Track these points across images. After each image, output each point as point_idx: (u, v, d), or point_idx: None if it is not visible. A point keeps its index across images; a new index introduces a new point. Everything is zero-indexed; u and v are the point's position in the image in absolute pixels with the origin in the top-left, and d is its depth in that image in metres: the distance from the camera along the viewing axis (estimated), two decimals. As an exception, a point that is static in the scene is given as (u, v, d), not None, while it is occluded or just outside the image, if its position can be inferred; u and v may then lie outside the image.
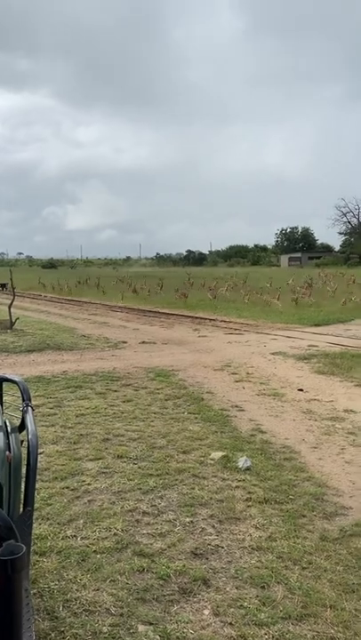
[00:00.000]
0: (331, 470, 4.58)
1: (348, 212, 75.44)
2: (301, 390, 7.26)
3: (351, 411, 6.32)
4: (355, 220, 75.36)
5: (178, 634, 2.54)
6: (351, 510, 3.87)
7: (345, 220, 76.19)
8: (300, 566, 3.11)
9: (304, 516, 3.71)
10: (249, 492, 4.04)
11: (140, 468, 4.48)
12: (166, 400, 6.67)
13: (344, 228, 77.70)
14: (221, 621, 2.64)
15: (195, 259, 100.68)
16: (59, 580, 2.92)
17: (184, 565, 3.09)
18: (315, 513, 3.78)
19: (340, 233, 79.77)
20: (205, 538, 3.41)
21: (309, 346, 10.82)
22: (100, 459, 4.67)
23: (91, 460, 4.66)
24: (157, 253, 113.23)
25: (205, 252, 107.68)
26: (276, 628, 2.59)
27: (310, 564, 3.14)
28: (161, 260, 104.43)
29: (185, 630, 2.56)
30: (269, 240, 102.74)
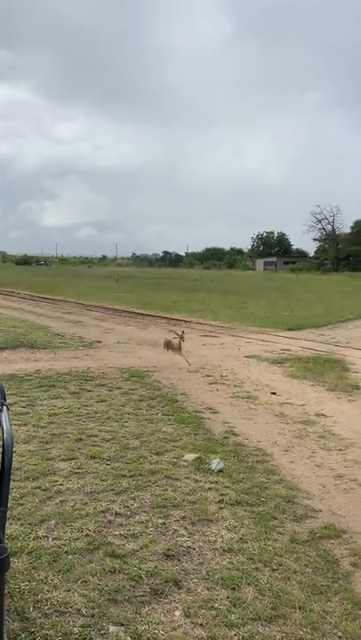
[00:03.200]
0: (302, 473, 4.65)
1: (323, 219, 76.50)
2: (274, 394, 7.35)
3: (322, 414, 6.43)
4: (329, 227, 76.50)
5: (149, 635, 2.54)
6: (321, 513, 3.94)
7: (320, 226, 77.26)
8: (270, 568, 3.15)
9: (275, 519, 3.77)
10: (221, 494, 4.08)
11: (113, 468, 4.47)
12: (140, 401, 6.66)
13: (319, 234, 78.80)
14: (192, 622, 2.66)
15: (171, 260, 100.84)
16: (29, 581, 2.90)
17: (156, 567, 3.10)
18: (285, 515, 3.83)
19: (315, 239, 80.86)
20: (177, 539, 3.43)
21: (283, 350, 10.95)
22: (72, 459, 4.64)
23: (63, 460, 4.63)
24: (134, 253, 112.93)
25: (182, 253, 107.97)
26: (246, 629, 2.62)
27: (280, 565, 3.19)
28: (137, 260, 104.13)
29: (156, 631, 2.57)
30: (246, 244, 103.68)
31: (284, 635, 2.60)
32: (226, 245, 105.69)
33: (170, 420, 5.92)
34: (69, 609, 2.69)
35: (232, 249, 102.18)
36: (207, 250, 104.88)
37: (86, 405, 6.34)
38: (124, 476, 4.32)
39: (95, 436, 5.27)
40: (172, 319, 15.87)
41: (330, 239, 76.26)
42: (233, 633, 2.59)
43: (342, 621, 2.74)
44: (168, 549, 3.29)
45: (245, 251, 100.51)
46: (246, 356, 10.08)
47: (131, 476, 4.31)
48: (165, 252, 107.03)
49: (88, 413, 6.01)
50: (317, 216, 76.38)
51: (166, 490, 4.11)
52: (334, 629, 2.68)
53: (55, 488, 4.06)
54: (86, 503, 3.83)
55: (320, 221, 76.56)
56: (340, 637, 2.63)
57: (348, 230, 74.73)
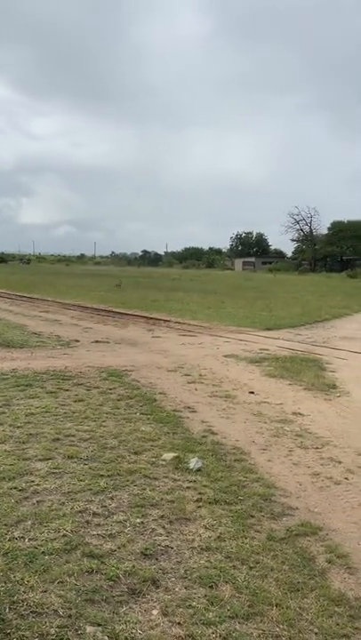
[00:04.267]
0: (279, 471, 4.70)
1: (300, 220, 77.30)
2: (252, 393, 7.40)
3: (299, 413, 6.50)
4: (307, 228, 77.33)
5: (126, 634, 2.54)
6: (297, 511, 3.98)
7: (298, 227, 78.07)
8: (247, 566, 3.18)
9: (253, 517, 3.79)
10: (200, 493, 4.09)
11: (90, 468, 4.44)
12: (119, 400, 6.64)
13: (296, 235, 79.64)
14: (170, 621, 2.66)
15: (150, 259, 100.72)
16: (5, 582, 2.86)
17: (134, 566, 3.09)
18: (263, 513, 3.86)
19: (293, 240, 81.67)
20: (155, 538, 3.43)
21: (261, 349, 11.03)
22: (49, 459, 4.60)
23: (40, 460, 4.58)
24: (112, 252, 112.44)
25: (161, 252, 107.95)
26: (223, 627, 2.63)
27: (258, 563, 3.21)
28: (116, 258, 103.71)
29: (133, 631, 2.57)
30: (225, 244, 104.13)
31: (261, 632, 2.62)
32: (205, 245, 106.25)
33: (148, 419, 5.91)
34: (46, 610, 2.67)
35: (211, 249, 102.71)
36: (186, 249, 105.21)
37: (64, 405, 6.29)
38: (101, 475, 4.30)
39: (73, 435, 5.23)
40: (151, 318, 15.85)
41: (307, 240, 77.14)
42: (210, 631, 2.60)
43: (318, 618, 2.77)
44: (146, 549, 3.29)
45: (224, 250, 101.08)
46: (225, 356, 10.12)
47: (109, 476, 4.30)
48: (144, 251, 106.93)
49: (65, 413, 5.96)
50: (295, 217, 77.26)
51: (144, 489, 4.10)
52: (310, 626, 2.71)
53: (32, 488, 4.01)
54: (63, 503, 3.80)
55: (298, 222, 77.46)
56: (316, 634, 2.67)
57: (325, 231, 75.75)
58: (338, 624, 2.74)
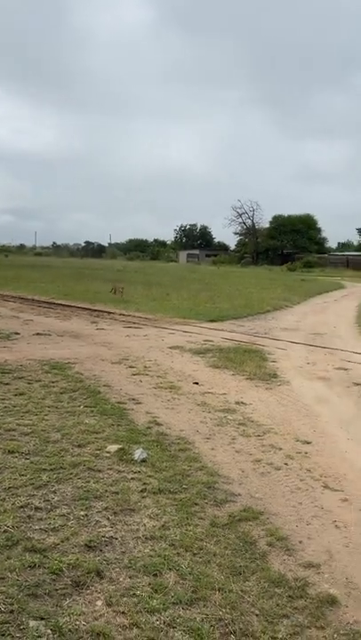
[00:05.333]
0: (222, 459, 4.79)
1: (243, 213, 78.36)
2: (197, 383, 7.48)
3: (242, 403, 6.64)
4: (249, 222, 78.53)
5: (70, 626, 2.52)
6: (240, 497, 4.08)
7: (240, 220, 79.13)
8: (191, 552, 3.23)
9: (196, 504, 3.85)
10: (144, 484, 4.11)
11: (32, 462, 4.36)
12: (62, 393, 6.53)
13: (239, 228, 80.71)
14: (114, 611, 2.67)
15: (93, 250, 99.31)
16: None
17: (77, 558, 3.07)
18: (206, 501, 3.93)
19: (236, 233, 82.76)
20: (100, 530, 3.42)
21: (205, 340, 11.16)
22: (-11, 454, 4.47)
23: (-21, 455, 4.45)
24: (54, 243, 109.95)
25: (105, 244, 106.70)
26: (167, 613, 2.67)
27: (201, 549, 3.27)
28: (58, 249, 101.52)
29: (77, 622, 2.56)
30: (169, 236, 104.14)
31: (204, 616, 2.68)
32: (149, 237, 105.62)
33: (92, 411, 5.86)
34: (-14, 607, 2.60)
35: (156, 240, 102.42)
36: (130, 241, 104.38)
37: (3, 399, 6.12)
38: (44, 469, 4.23)
39: (13, 430, 5.11)
40: (95, 310, 15.66)
41: (250, 233, 78.40)
42: (155, 618, 2.63)
43: (259, 599, 2.86)
44: (90, 541, 3.27)
45: (169, 243, 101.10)
46: (170, 347, 10.17)
47: (51, 470, 4.23)
48: (87, 242, 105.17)
49: (6, 407, 5.81)
50: (238, 210, 78.23)
51: (88, 482, 4.07)
52: (252, 608, 2.80)
53: (-29, 485, 3.89)
54: (4, 499, 3.72)
55: (240, 215, 78.51)
56: (257, 615, 2.75)
57: (267, 225, 77.24)
58: (278, 605, 2.84)
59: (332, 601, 2.91)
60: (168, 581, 2.93)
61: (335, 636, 2.66)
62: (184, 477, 4.28)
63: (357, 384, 7.90)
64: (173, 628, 2.59)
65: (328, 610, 2.84)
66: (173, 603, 2.75)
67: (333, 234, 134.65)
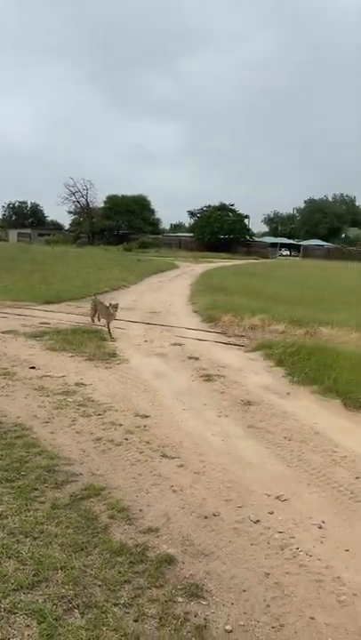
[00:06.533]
0: (62, 442, 4.75)
1: (76, 192, 76.58)
2: (33, 368, 7.26)
3: (82, 384, 6.63)
4: (83, 201, 77.11)
5: None
6: (81, 476, 4.11)
7: (74, 199, 77.20)
8: (31, 537, 3.19)
9: (36, 489, 3.79)
10: (-22, 476, 3.91)
11: None
12: None
13: (73, 207, 78.84)
14: None
15: None
16: None
17: None
18: (46, 485, 3.89)
19: (70, 212, 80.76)
20: None
21: (41, 323, 10.82)
22: None
23: None
24: None
25: None
26: (7, 600, 2.62)
27: (42, 533, 3.25)
28: None
29: None
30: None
31: (46, 596, 2.68)
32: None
33: None
34: None
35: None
36: None
37: None
38: None
39: None
40: None
41: (84, 213, 77.16)
42: (-5, 609, 2.56)
43: (102, 571, 2.95)
44: None
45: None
46: (2, 332, 9.66)
47: None
48: None
49: None
50: (71, 188, 76.19)
51: None
52: (95, 580, 2.87)
53: None
54: None
55: (74, 194, 76.53)
56: (100, 586, 2.83)
57: (101, 205, 76.69)
58: (120, 572, 2.96)
59: (170, 560, 3.11)
60: (8, 569, 2.86)
61: (173, 591, 2.86)
62: (22, 464, 4.17)
63: (191, 358, 8.38)
64: (15, 613, 2.55)
65: (167, 569, 3.04)
66: (14, 589, 2.71)
67: (167, 215, 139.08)
